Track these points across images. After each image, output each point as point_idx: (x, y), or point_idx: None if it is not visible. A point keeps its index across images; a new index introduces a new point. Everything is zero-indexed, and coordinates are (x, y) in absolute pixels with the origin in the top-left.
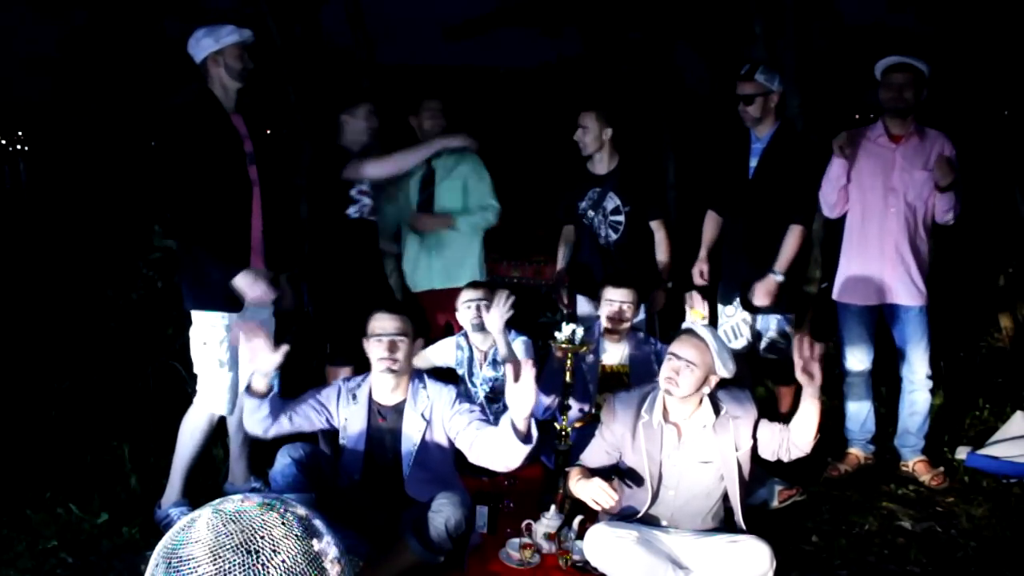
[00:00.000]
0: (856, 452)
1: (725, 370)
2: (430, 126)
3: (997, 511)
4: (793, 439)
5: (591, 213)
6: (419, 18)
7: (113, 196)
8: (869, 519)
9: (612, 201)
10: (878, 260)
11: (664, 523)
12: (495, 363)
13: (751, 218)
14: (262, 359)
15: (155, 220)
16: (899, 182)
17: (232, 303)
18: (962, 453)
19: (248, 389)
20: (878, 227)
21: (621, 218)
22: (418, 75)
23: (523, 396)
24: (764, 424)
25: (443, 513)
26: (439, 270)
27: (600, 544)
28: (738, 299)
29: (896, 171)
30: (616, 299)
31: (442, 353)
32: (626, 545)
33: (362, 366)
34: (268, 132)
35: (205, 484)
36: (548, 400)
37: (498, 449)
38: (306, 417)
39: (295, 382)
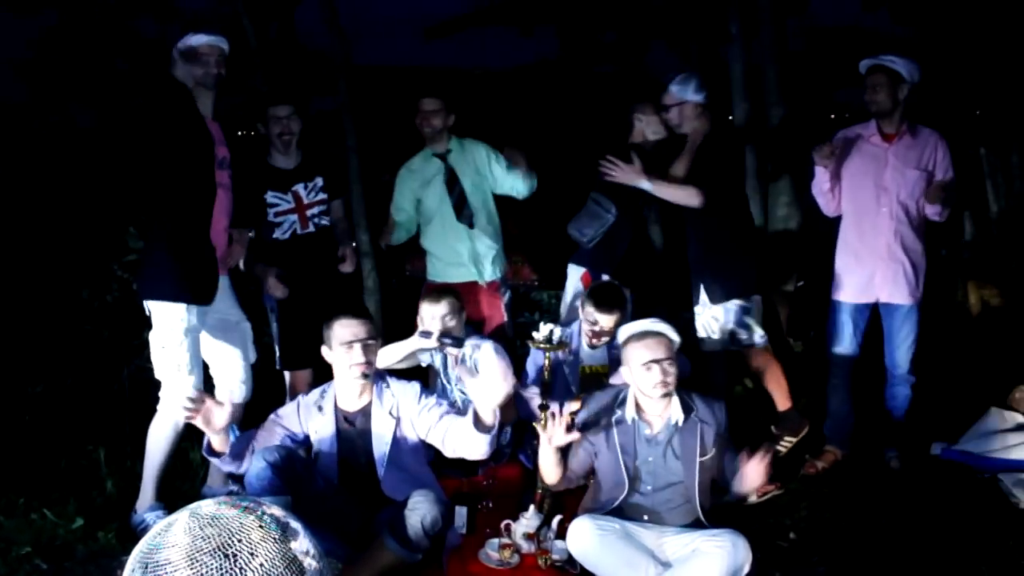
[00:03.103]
0: (834, 450)
1: (678, 338)
2: (440, 124)
3: (970, 506)
4: (736, 487)
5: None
6: (397, 19)
7: (87, 198)
8: (847, 515)
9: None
10: (871, 258)
11: (645, 518)
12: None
13: (695, 220)
14: (217, 417)
15: (129, 222)
16: (891, 181)
17: (197, 295)
18: (936, 448)
19: (208, 450)
20: (871, 225)
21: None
22: (396, 76)
23: (489, 391)
24: (724, 446)
25: (419, 511)
26: (487, 263)
27: (582, 537)
28: (704, 295)
29: (888, 170)
30: (600, 322)
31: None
32: (608, 539)
33: (321, 369)
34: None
35: (182, 488)
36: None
37: (464, 439)
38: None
39: (266, 388)
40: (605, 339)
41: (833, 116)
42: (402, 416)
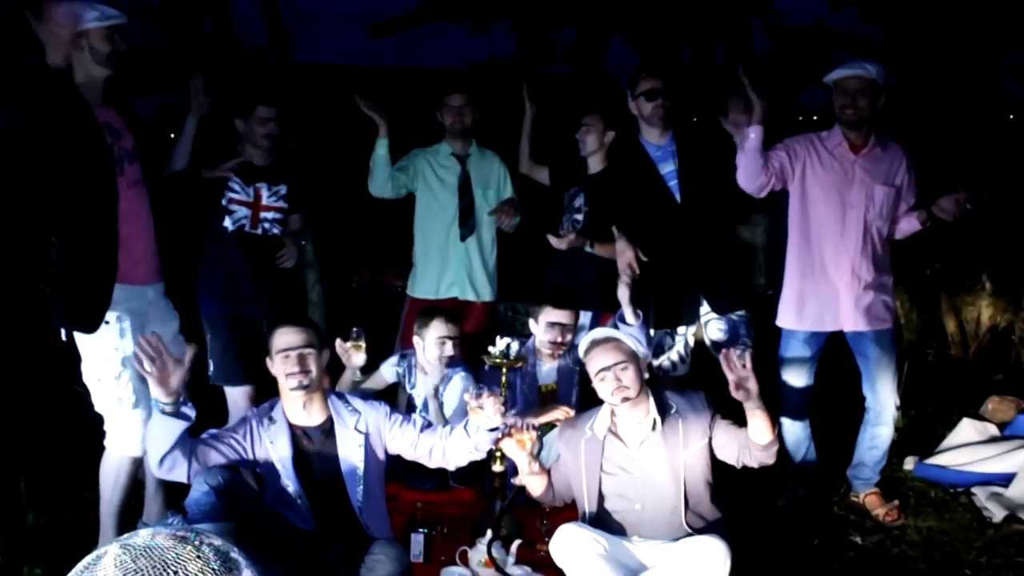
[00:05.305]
0: (795, 488)
1: (643, 348)
2: (470, 120)
3: (945, 522)
4: (752, 449)
5: (564, 207)
6: (340, 14)
7: (7, 204)
8: (819, 534)
9: (579, 199)
10: (833, 282)
11: (630, 533)
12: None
13: (690, 221)
14: (174, 376)
15: (52, 232)
16: (858, 197)
17: (91, 323)
18: (910, 463)
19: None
20: (833, 246)
21: (580, 217)
22: (340, 75)
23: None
24: (721, 425)
25: (378, 572)
26: (482, 281)
27: (567, 543)
28: (707, 305)
29: (855, 185)
30: (556, 321)
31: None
32: (587, 550)
33: (264, 386)
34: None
35: (133, 522)
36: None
37: (467, 441)
38: (222, 456)
39: (217, 404)
40: (564, 347)
41: (801, 118)
42: (371, 431)
